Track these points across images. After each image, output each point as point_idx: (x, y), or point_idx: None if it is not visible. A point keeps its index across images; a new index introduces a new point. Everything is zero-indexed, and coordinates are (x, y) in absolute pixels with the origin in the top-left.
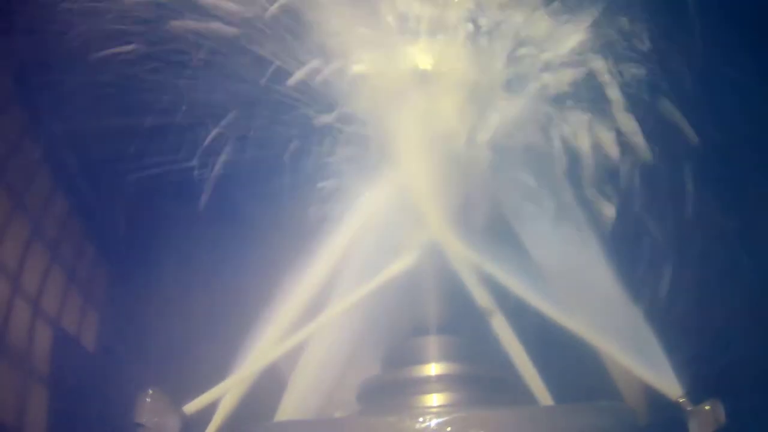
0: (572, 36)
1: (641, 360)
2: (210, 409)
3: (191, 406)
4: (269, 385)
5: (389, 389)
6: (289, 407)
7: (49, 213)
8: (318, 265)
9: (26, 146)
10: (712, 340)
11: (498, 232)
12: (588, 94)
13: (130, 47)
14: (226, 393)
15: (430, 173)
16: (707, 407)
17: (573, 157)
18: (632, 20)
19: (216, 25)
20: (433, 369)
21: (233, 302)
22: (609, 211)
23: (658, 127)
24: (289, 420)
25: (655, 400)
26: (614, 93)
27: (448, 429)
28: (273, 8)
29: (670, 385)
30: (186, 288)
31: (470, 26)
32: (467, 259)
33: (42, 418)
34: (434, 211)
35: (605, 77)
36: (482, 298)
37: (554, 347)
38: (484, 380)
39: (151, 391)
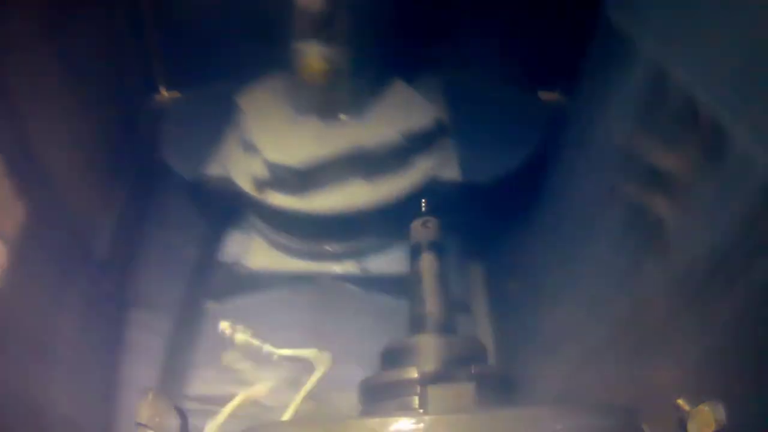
0: None
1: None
2: (211, 410)
3: (192, 407)
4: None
5: (389, 389)
6: (290, 408)
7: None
8: None
9: None
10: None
11: None
12: None
13: None
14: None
15: None
16: (707, 408)
17: None
18: None
19: None
20: (433, 369)
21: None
22: None
23: None
24: (289, 420)
25: (655, 400)
26: None
27: (448, 429)
28: None
29: (669, 386)
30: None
31: None
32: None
33: (41, 418)
34: None
35: None
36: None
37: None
38: (484, 380)
39: (151, 391)
